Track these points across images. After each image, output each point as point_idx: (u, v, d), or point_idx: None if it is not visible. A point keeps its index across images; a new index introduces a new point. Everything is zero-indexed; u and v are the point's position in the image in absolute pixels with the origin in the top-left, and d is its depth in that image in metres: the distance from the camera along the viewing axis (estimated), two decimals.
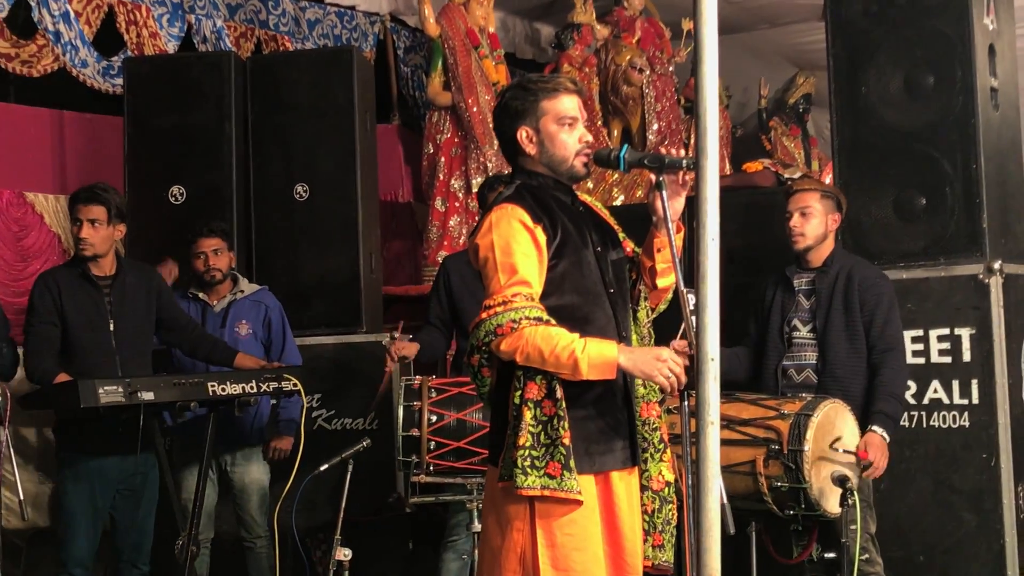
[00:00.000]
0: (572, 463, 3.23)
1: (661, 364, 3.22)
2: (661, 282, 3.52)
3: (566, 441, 3.23)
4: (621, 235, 3.61)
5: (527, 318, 3.22)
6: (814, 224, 5.00)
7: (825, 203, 5.02)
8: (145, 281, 5.45)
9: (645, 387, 3.46)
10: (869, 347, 4.88)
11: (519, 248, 3.30)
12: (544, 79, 3.55)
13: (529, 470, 3.23)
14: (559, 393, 3.26)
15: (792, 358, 5.01)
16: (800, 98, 11.61)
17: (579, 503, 3.27)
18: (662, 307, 3.64)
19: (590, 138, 3.49)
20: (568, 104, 3.45)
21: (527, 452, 3.24)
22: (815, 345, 4.96)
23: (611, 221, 3.61)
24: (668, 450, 3.49)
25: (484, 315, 3.28)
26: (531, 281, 3.29)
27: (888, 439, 4.70)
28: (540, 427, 3.25)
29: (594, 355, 3.21)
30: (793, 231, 5.01)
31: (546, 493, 3.23)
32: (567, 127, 3.44)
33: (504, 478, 3.29)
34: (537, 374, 3.26)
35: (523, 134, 3.46)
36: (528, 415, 3.25)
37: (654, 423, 3.47)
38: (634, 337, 3.50)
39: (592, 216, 3.57)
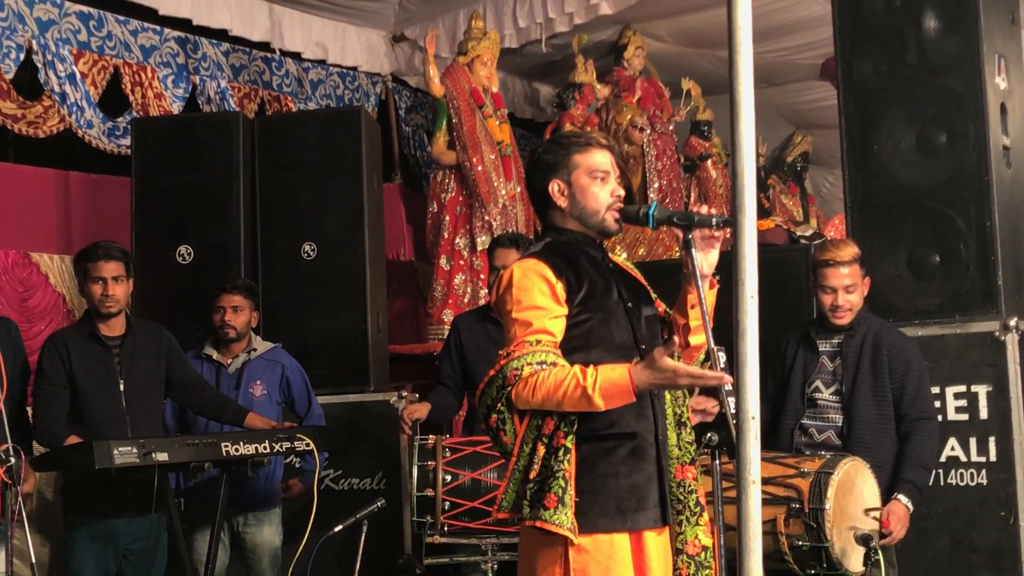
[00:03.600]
0: (568, 498, 3.17)
1: (676, 368, 3.13)
2: (694, 339, 3.47)
3: (567, 475, 3.18)
4: (653, 295, 3.58)
5: (529, 364, 3.17)
6: (856, 297, 4.86)
7: (862, 270, 4.89)
8: (154, 340, 5.38)
9: (680, 448, 3.42)
10: (900, 415, 4.77)
11: (536, 300, 3.26)
12: (577, 134, 3.53)
13: (530, 501, 3.20)
14: (575, 427, 3.21)
15: (814, 417, 4.90)
16: (798, 156, 11.69)
17: (587, 551, 3.22)
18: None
19: (622, 193, 3.46)
20: (600, 158, 3.44)
21: (534, 484, 3.20)
22: (838, 407, 4.85)
23: (642, 280, 3.59)
24: (705, 513, 3.43)
25: (492, 371, 3.25)
26: (547, 329, 3.24)
27: (912, 509, 4.63)
28: (549, 458, 3.20)
29: (603, 383, 3.13)
30: (840, 308, 4.83)
31: (538, 524, 3.17)
32: (599, 180, 3.42)
33: (503, 507, 3.26)
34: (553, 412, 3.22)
35: (555, 187, 3.45)
36: (541, 450, 3.20)
37: (690, 485, 3.41)
38: (668, 396, 3.45)
39: (622, 274, 3.54)
